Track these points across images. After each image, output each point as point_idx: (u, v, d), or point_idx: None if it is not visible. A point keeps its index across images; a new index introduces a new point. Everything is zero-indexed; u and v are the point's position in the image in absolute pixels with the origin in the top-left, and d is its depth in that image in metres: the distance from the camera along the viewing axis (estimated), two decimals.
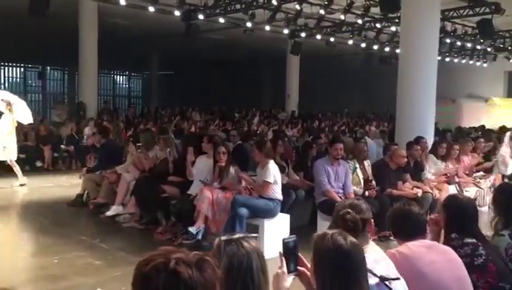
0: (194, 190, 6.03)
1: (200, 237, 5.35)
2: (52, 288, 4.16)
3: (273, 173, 5.44)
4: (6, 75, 26.18)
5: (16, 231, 6.16)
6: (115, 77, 30.44)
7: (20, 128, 11.89)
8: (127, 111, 18.25)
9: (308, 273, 1.92)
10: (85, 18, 13.18)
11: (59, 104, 15.73)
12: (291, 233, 5.29)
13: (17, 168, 9.08)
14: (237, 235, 1.76)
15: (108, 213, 6.79)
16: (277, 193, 5.51)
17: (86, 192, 7.74)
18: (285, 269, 1.86)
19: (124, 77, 31.52)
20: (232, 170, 5.80)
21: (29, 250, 5.33)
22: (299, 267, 1.94)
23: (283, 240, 1.92)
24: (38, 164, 11.45)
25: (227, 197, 5.55)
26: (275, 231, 5.24)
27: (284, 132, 12.73)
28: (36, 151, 11.52)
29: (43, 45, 18.65)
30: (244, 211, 5.22)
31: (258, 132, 13.94)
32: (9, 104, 8.77)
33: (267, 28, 12.82)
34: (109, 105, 19.97)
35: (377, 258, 2.17)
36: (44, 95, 26.89)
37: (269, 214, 5.40)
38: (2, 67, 25.45)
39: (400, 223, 2.61)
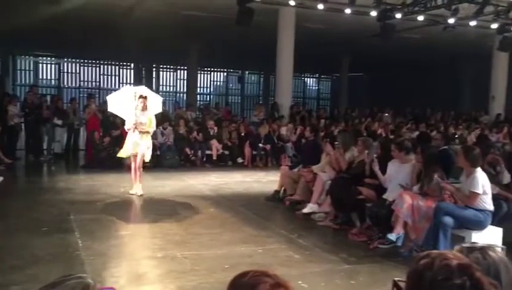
0: (391, 194, 5.88)
1: (399, 243, 5.20)
2: None
3: (481, 182, 4.98)
4: (211, 79, 29.34)
5: (225, 219, 6.82)
6: (306, 79, 31.57)
7: (227, 127, 13.24)
8: (317, 112, 18.72)
9: None
10: (283, 24, 13.92)
11: (257, 106, 16.92)
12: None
13: (140, 175, 8.12)
14: (480, 244, 1.65)
15: (304, 210, 7.06)
16: (487, 203, 5.02)
17: (283, 188, 8.21)
18: None
19: (314, 79, 32.45)
20: (434, 175, 5.49)
21: (236, 238, 5.83)
22: None
23: None
24: (239, 160, 12.56)
25: (429, 204, 5.27)
26: None
27: (487, 137, 11.58)
28: (238, 148, 12.67)
29: (243, 51, 20.34)
30: (449, 220, 4.88)
31: (456, 135, 13.00)
32: (145, 98, 7.86)
33: (472, 23, 11.77)
34: (300, 107, 20.76)
35: None
36: (242, 97, 29.38)
37: (478, 225, 4.96)
38: (208, 72, 28.58)
39: None
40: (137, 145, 7.89)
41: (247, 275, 1.31)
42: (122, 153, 8.22)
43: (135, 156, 7.98)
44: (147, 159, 8.13)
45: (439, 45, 16.77)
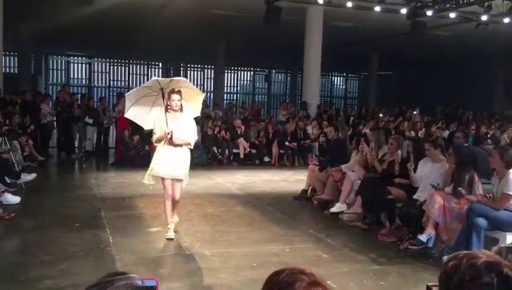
0: (422, 194, 5.78)
1: (431, 244, 5.10)
2: None
3: None
4: (238, 78, 29.41)
5: (253, 218, 6.81)
6: (333, 78, 31.33)
7: (254, 126, 13.24)
8: (345, 111, 18.55)
9: None
10: (311, 23, 13.84)
11: (284, 104, 16.89)
12: None
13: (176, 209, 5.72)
14: None
15: (332, 210, 7.01)
16: None
17: (310, 187, 8.16)
18: None
19: (341, 78, 32.17)
20: (466, 176, 5.36)
21: (264, 237, 5.82)
22: None
23: None
24: (266, 159, 12.56)
25: (461, 205, 5.16)
26: None
27: None
28: (265, 147, 12.68)
29: (270, 50, 20.32)
30: (482, 221, 4.77)
31: (488, 135, 12.71)
32: (179, 93, 5.34)
33: (506, 20, 11.47)
34: (327, 106, 20.63)
35: None
36: (269, 96, 29.36)
37: None
38: (235, 71, 28.66)
39: None
40: (174, 166, 5.37)
41: (283, 273, 1.30)
42: (147, 178, 5.54)
43: (172, 181, 5.43)
44: (185, 182, 5.57)
45: (472, 43, 16.41)
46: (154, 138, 5.43)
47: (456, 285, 1.22)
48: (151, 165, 5.45)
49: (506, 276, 1.17)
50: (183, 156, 5.43)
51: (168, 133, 5.24)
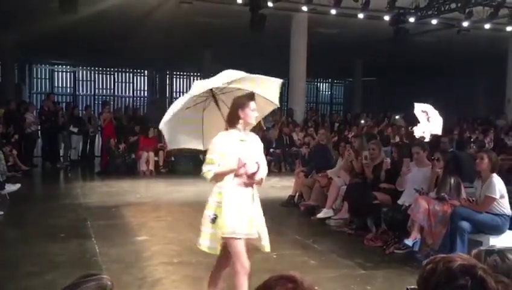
0: (406, 199, 5.85)
1: (416, 248, 5.17)
2: None
3: (498, 187, 4.95)
4: None
5: None
6: (318, 84, 31.52)
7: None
8: (331, 118, 18.67)
9: None
10: (296, 30, 13.95)
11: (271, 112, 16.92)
12: None
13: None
14: (499, 247, 1.65)
15: (319, 215, 7.05)
16: (505, 207, 4.98)
17: (297, 194, 8.20)
18: None
19: (327, 84, 32.39)
20: (451, 180, 5.44)
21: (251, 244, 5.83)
22: None
23: None
24: None
25: (445, 209, 5.24)
26: None
27: (504, 141, 11.55)
28: None
29: (256, 57, 20.39)
30: (465, 225, 4.85)
31: (472, 140, 12.88)
32: (253, 98, 3.58)
33: (487, 26, 11.70)
34: (313, 112, 20.73)
35: None
36: None
37: (495, 230, 4.91)
38: None
39: None
40: (255, 218, 3.44)
41: (271, 278, 1.32)
42: (211, 245, 3.59)
43: (248, 244, 3.49)
44: (267, 247, 3.64)
45: (454, 49, 16.67)
46: (212, 171, 3.34)
47: (432, 288, 1.26)
48: (224, 222, 3.34)
49: (481, 278, 1.21)
50: (258, 203, 3.47)
51: (241, 166, 3.29)
